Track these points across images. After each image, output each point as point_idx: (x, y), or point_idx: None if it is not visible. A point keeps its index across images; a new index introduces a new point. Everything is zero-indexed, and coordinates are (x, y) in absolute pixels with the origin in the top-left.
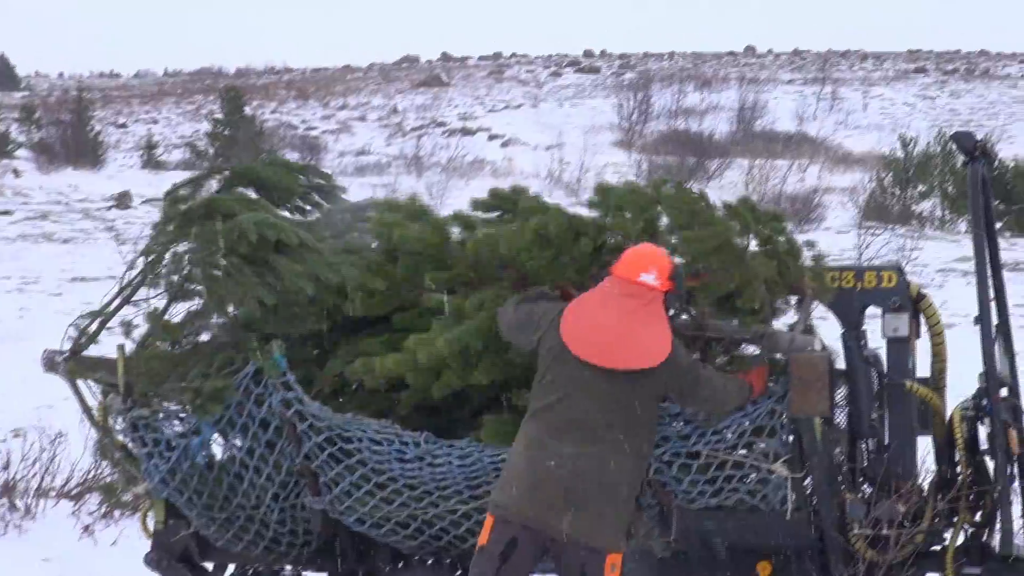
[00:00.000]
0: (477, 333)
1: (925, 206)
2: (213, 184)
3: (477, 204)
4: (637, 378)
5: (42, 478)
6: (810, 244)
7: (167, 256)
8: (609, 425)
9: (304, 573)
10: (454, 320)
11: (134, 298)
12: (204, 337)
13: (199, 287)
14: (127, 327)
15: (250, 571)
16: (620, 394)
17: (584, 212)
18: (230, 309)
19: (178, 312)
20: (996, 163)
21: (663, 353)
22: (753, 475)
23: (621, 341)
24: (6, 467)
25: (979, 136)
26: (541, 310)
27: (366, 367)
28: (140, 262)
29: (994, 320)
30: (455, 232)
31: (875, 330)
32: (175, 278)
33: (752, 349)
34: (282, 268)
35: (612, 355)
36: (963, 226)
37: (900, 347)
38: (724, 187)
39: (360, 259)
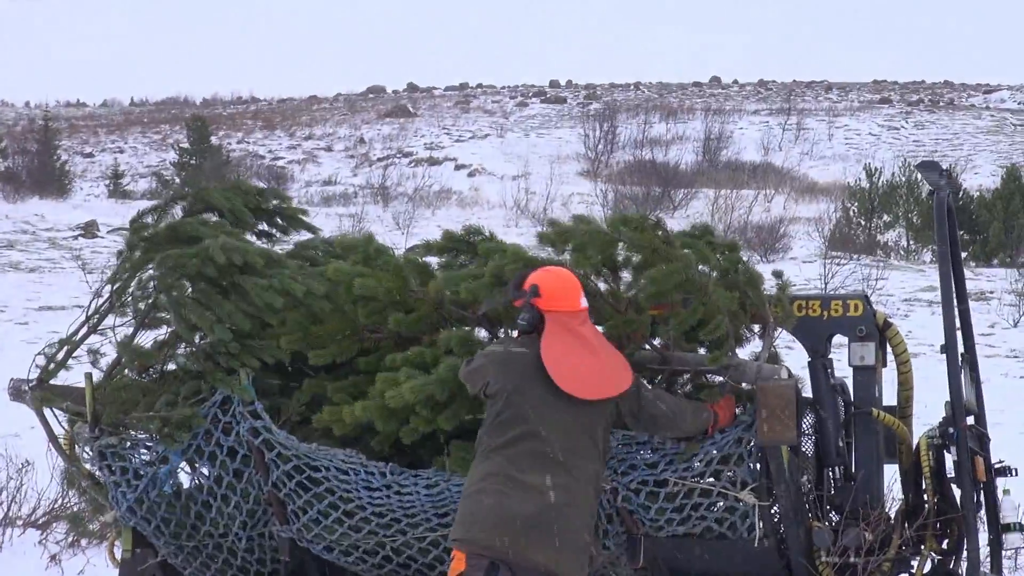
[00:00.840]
0: (441, 384)
1: (890, 236)
2: (178, 211)
3: (431, 247)
4: (603, 404)
5: (8, 507)
6: (777, 274)
7: (133, 284)
8: (572, 453)
9: None
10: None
11: (101, 326)
12: (171, 366)
13: (166, 315)
14: (94, 355)
15: None
16: (585, 422)
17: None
18: (196, 338)
19: (146, 340)
20: (960, 193)
21: (631, 371)
22: (721, 503)
23: (608, 369)
24: None
25: (944, 166)
26: (480, 360)
27: (333, 415)
28: (107, 290)
29: (960, 349)
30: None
31: (841, 359)
32: (142, 305)
33: (718, 379)
34: (249, 287)
35: (604, 385)
36: (928, 256)
37: (867, 375)
38: (690, 216)
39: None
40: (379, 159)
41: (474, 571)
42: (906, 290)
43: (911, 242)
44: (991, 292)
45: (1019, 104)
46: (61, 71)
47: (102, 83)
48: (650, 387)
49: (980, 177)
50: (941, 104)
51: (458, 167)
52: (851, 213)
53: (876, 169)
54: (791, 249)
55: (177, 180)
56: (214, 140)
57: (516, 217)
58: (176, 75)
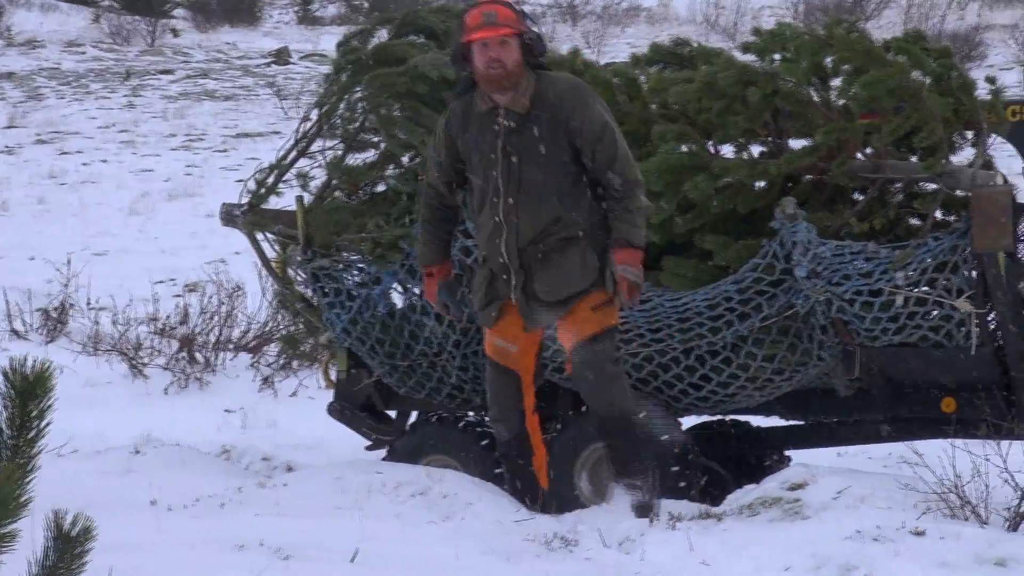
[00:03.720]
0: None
1: None
2: (383, 35)
3: (638, 60)
4: None
5: (220, 331)
6: (990, 79)
7: (341, 106)
8: None
9: (486, 419)
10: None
11: (310, 150)
12: (381, 188)
13: (375, 137)
14: (304, 179)
15: (433, 418)
16: None
17: (740, 55)
18: (406, 159)
19: (355, 162)
20: None
21: None
22: (936, 311)
23: None
24: (184, 321)
25: None
26: None
27: None
28: (314, 114)
29: None
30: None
31: None
32: (351, 127)
33: (932, 186)
34: None
35: None
36: None
37: None
38: (882, 27)
39: None
40: None
41: None
42: None
43: None
44: None
45: None
46: None
47: None
48: None
49: None
50: None
51: None
52: None
53: None
54: (987, 57)
55: (366, 5)
56: None
57: (707, 32)
58: None
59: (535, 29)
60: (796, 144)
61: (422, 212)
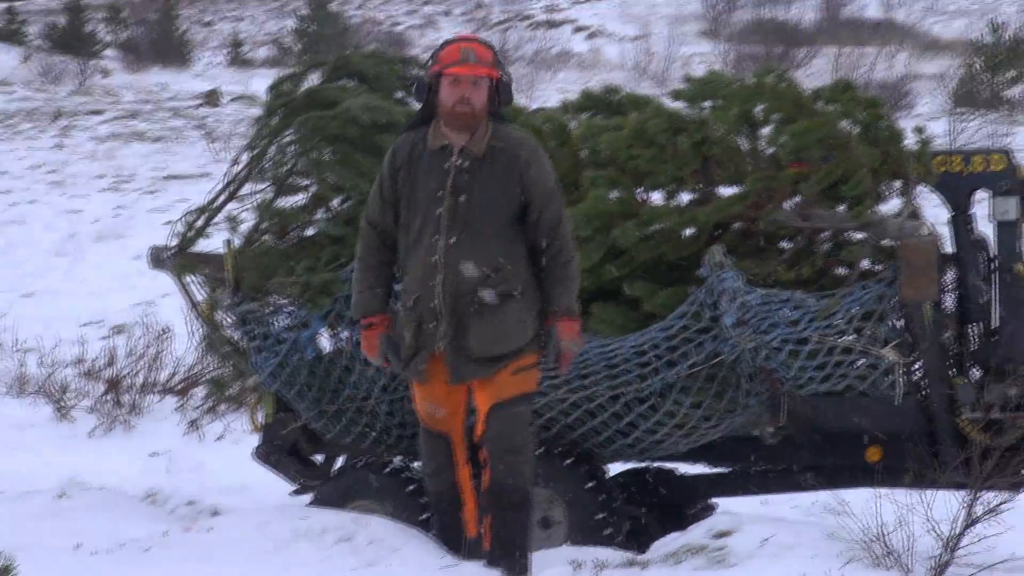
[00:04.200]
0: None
1: (1016, 91)
2: (315, 78)
3: (568, 106)
4: None
5: (147, 374)
6: (918, 130)
7: (272, 149)
8: None
9: (413, 465)
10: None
11: (239, 193)
12: (310, 232)
13: (305, 180)
14: (233, 222)
15: (359, 463)
16: None
17: (670, 103)
18: (336, 203)
19: (285, 206)
20: None
21: None
22: (862, 360)
23: None
24: (111, 363)
25: None
26: None
27: None
28: (244, 157)
29: None
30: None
31: (984, 214)
32: (281, 170)
33: (859, 236)
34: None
35: None
36: None
37: (1009, 231)
38: (812, 75)
39: None
40: (497, 22)
41: None
42: None
43: None
44: None
45: None
46: None
47: None
48: None
49: None
50: None
51: (577, 29)
52: (975, 69)
53: (1000, 24)
54: (915, 106)
55: (297, 48)
56: (333, 7)
57: (637, 79)
58: None
59: (507, 76)
60: (725, 192)
61: (360, 256)
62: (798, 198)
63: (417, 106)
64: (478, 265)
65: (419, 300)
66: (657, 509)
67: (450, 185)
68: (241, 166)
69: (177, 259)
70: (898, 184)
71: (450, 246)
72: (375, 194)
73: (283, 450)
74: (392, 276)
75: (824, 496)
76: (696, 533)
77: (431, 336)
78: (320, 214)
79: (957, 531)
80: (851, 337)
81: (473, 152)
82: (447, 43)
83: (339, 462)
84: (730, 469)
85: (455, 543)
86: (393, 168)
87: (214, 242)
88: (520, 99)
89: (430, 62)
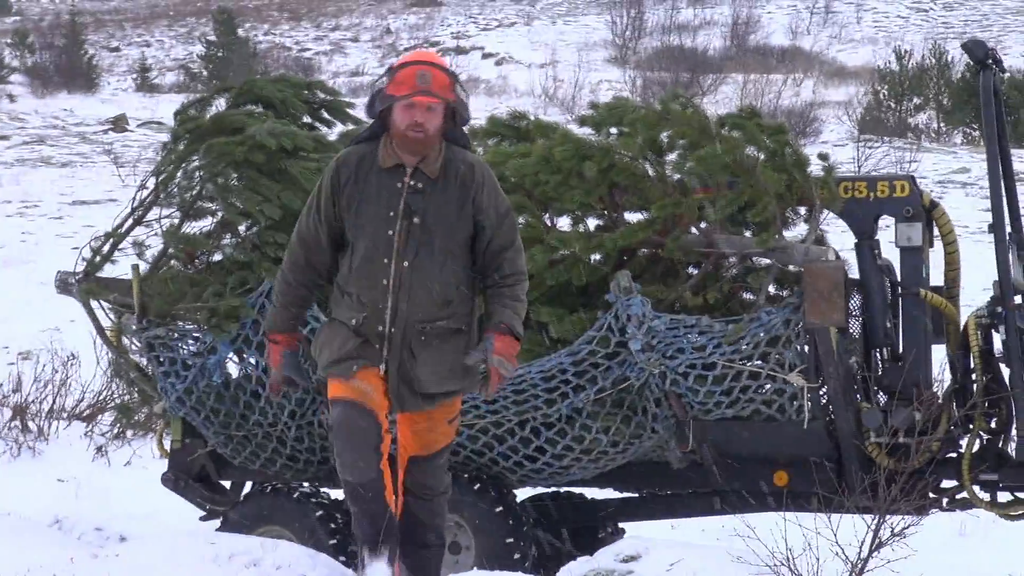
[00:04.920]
0: None
1: (921, 118)
2: (221, 103)
3: (476, 132)
4: None
5: (54, 400)
6: (823, 156)
7: (178, 175)
8: None
9: (321, 490)
10: None
11: (146, 218)
12: (217, 258)
13: (212, 205)
14: (140, 247)
15: (267, 488)
16: None
17: (576, 129)
18: (243, 228)
19: (191, 231)
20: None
21: None
22: (769, 385)
23: None
24: (17, 389)
25: None
26: None
27: None
28: (151, 182)
29: (1007, 228)
30: None
31: (888, 240)
32: (188, 196)
33: (765, 262)
34: (297, 171)
35: None
36: (959, 138)
37: (913, 256)
38: (719, 102)
39: None
40: (406, 49)
41: None
42: (939, 172)
43: (942, 124)
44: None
45: None
46: None
47: None
48: None
49: (1010, 58)
50: None
51: (485, 56)
52: (881, 96)
53: (905, 52)
54: (822, 133)
55: (204, 73)
56: (240, 32)
57: (545, 105)
58: None
59: (464, 98)
60: (632, 218)
61: (283, 270)
62: (704, 224)
63: (323, 129)
64: (431, 292)
65: (366, 320)
66: (566, 534)
67: (403, 206)
68: (148, 191)
69: (84, 284)
70: (804, 210)
71: (403, 270)
72: (310, 210)
73: (191, 476)
74: (308, 297)
75: (732, 520)
76: (604, 557)
77: (374, 354)
78: (227, 239)
79: (864, 555)
80: (758, 362)
81: (427, 173)
82: (404, 64)
83: (247, 487)
84: (638, 493)
85: (381, 534)
86: (336, 184)
87: (121, 267)
88: None
89: (385, 78)
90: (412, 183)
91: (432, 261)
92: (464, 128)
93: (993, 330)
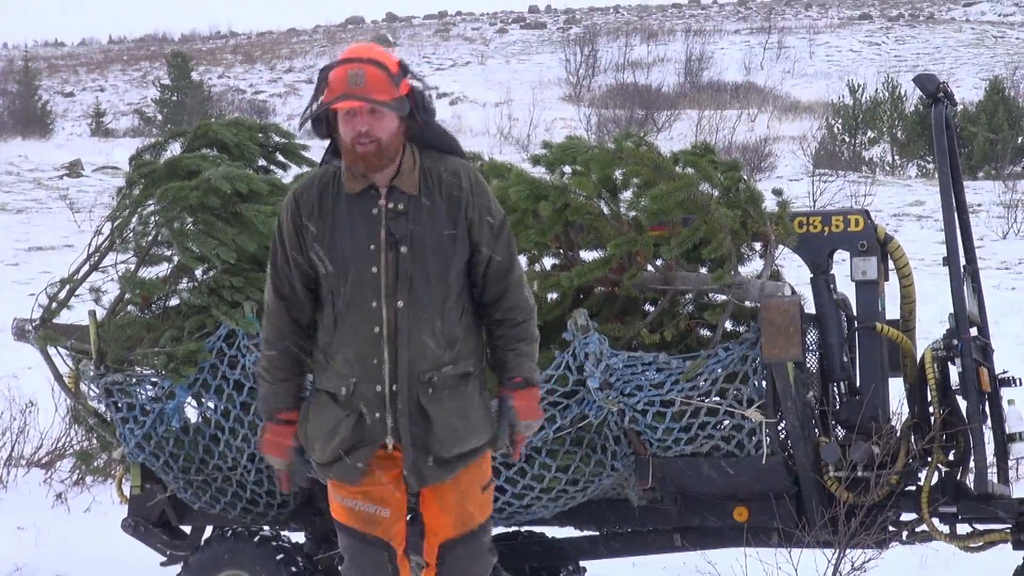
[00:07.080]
0: None
1: (875, 152)
2: (176, 148)
3: None
4: None
5: (12, 447)
6: (777, 192)
7: (134, 220)
8: None
9: (282, 534)
10: None
11: (102, 264)
12: (174, 302)
13: (168, 250)
14: (97, 293)
15: (228, 532)
16: None
17: (530, 167)
18: (199, 273)
19: (148, 276)
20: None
21: None
22: (727, 421)
23: None
24: None
25: None
26: None
27: None
28: (106, 228)
29: (962, 260)
30: None
31: (844, 274)
32: (144, 241)
33: (721, 298)
34: (252, 215)
35: None
36: (913, 171)
37: (869, 290)
38: (673, 138)
39: None
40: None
41: None
42: (894, 205)
43: (896, 157)
44: (979, 205)
45: (999, 16)
46: (38, 10)
47: (80, 22)
48: None
49: (962, 91)
50: (921, 18)
51: (440, 96)
52: (835, 130)
53: (859, 85)
54: (777, 168)
55: (159, 117)
56: (195, 76)
57: (500, 144)
58: (154, 11)
59: (417, 86)
60: (588, 256)
61: (268, 339)
62: (660, 261)
63: (278, 172)
64: (433, 333)
65: (358, 386)
66: (528, 573)
67: (383, 236)
68: (104, 237)
69: (41, 331)
70: (759, 246)
71: (398, 311)
72: (275, 258)
73: (151, 521)
74: (304, 362)
75: (693, 557)
76: None
77: (375, 429)
78: (183, 284)
79: None
80: (715, 398)
81: (404, 189)
82: (332, 65)
83: (208, 532)
84: (599, 532)
85: None
86: (296, 220)
87: (78, 313)
88: None
89: (320, 87)
90: (390, 206)
91: (430, 296)
92: (436, 124)
93: (950, 362)
